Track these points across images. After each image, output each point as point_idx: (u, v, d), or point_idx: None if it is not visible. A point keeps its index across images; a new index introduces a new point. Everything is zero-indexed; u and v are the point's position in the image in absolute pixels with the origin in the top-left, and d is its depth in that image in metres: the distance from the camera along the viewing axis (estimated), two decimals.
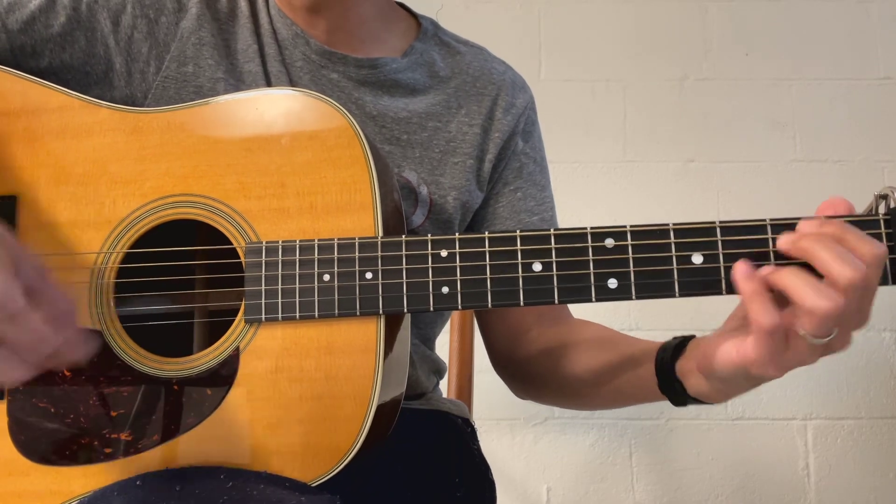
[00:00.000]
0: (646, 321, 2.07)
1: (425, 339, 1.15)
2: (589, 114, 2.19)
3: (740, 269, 0.72)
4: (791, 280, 0.69)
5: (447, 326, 1.34)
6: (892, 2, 2.22)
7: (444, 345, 1.30)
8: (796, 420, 2.02)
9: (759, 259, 0.75)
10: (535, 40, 2.24)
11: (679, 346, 0.85)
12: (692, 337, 0.85)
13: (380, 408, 0.81)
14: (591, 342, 1.02)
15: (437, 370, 1.18)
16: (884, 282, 0.73)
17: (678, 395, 0.85)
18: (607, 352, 0.98)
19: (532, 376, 1.10)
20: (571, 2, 2.25)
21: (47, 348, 0.68)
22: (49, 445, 0.82)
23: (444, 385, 1.26)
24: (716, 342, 0.76)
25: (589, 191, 2.14)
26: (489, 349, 1.18)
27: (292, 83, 1.03)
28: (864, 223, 0.74)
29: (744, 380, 0.76)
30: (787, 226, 0.74)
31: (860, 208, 0.79)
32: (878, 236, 0.74)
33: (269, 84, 1.01)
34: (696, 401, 0.84)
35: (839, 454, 2.00)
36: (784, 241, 0.72)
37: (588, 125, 2.18)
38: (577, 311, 1.13)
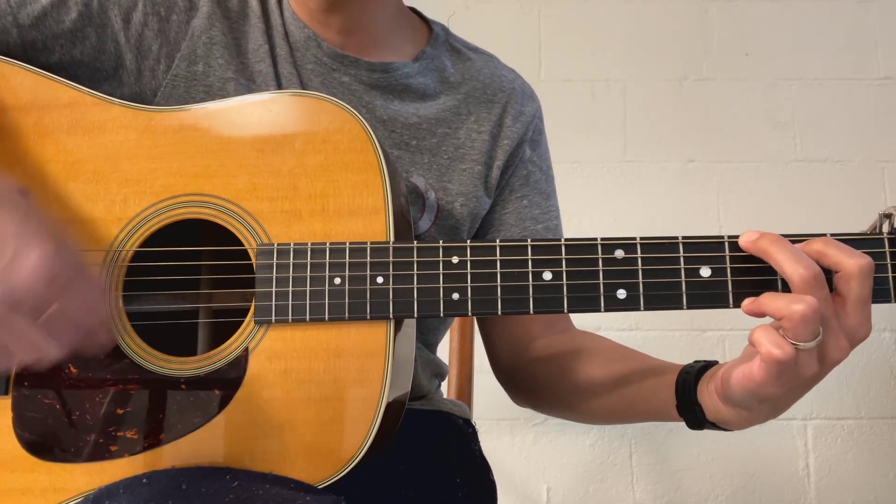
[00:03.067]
0: (646, 321, 2.08)
1: (428, 344, 1.15)
2: (589, 114, 2.19)
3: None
4: (767, 300, 0.73)
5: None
6: (892, 2, 2.22)
7: (444, 345, 1.30)
8: (796, 420, 2.02)
9: (765, 273, 0.77)
10: (535, 40, 2.24)
11: (702, 370, 0.86)
12: (715, 362, 0.86)
13: (386, 410, 0.81)
14: (600, 353, 1.02)
15: (439, 372, 1.18)
16: (886, 299, 0.77)
17: (697, 418, 0.85)
18: (617, 364, 0.98)
19: (535, 384, 1.10)
20: (571, 2, 2.25)
21: (78, 332, 0.70)
22: (54, 442, 0.82)
23: (444, 386, 1.26)
24: (732, 366, 0.78)
25: (589, 191, 2.14)
26: (491, 356, 1.17)
27: (303, 85, 1.02)
28: (868, 242, 0.76)
29: (757, 402, 0.77)
30: (796, 242, 0.75)
31: (859, 208, 0.80)
32: (881, 255, 0.76)
33: (279, 85, 1.01)
34: (714, 426, 0.85)
35: (839, 454, 2.01)
36: (744, 240, 0.77)
37: (588, 125, 2.18)
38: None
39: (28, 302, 0.66)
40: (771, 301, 0.72)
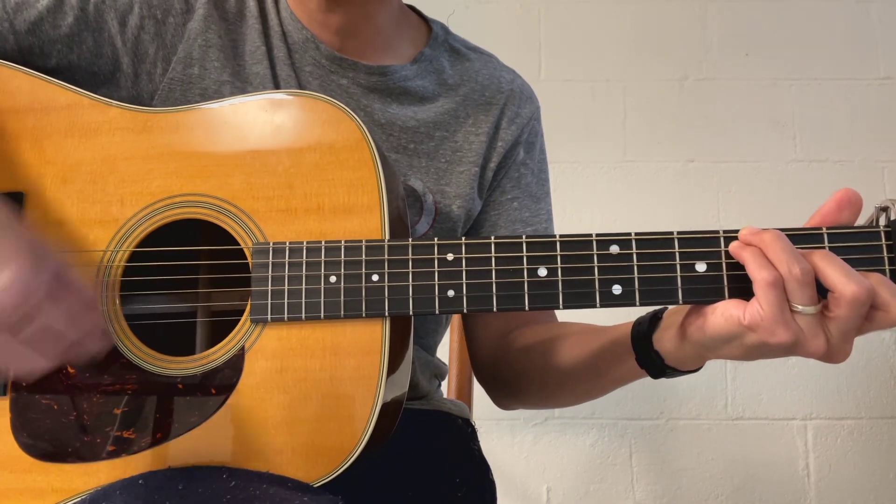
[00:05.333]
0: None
1: (426, 346, 1.15)
2: (589, 114, 2.19)
3: (734, 243, 0.75)
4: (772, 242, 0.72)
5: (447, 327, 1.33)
6: (892, 2, 2.22)
7: (443, 345, 1.29)
8: (796, 420, 2.02)
9: None
10: (535, 40, 2.24)
11: (654, 317, 0.87)
12: (664, 309, 0.86)
13: (383, 409, 0.81)
14: (575, 333, 1.01)
15: (438, 373, 1.18)
16: None
17: (656, 365, 0.86)
18: (590, 338, 0.98)
19: (516, 374, 1.09)
20: (571, 2, 2.25)
21: (65, 342, 0.70)
22: (51, 443, 0.82)
23: (444, 386, 1.26)
24: (704, 309, 0.77)
25: (589, 191, 2.14)
26: (472, 355, 1.17)
27: (301, 87, 1.02)
28: (864, 235, 0.75)
29: (735, 339, 0.75)
30: (793, 236, 0.75)
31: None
32: (878, 248, 0.75)
33: (277, 87, 1.01)
34: (673, 371, 0.86)
35: (839, 454, 2.00)
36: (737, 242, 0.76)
37: (588, 125, 2.18)
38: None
39: (5, 321, 0.67)
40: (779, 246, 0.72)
